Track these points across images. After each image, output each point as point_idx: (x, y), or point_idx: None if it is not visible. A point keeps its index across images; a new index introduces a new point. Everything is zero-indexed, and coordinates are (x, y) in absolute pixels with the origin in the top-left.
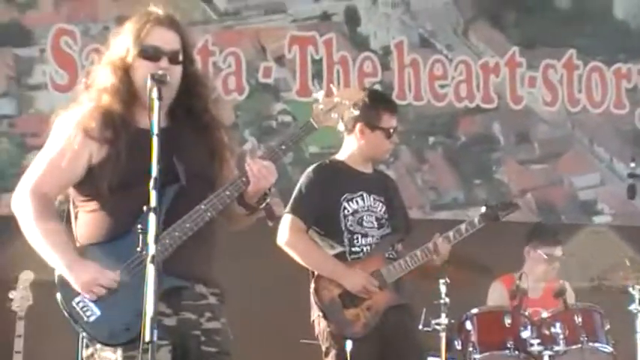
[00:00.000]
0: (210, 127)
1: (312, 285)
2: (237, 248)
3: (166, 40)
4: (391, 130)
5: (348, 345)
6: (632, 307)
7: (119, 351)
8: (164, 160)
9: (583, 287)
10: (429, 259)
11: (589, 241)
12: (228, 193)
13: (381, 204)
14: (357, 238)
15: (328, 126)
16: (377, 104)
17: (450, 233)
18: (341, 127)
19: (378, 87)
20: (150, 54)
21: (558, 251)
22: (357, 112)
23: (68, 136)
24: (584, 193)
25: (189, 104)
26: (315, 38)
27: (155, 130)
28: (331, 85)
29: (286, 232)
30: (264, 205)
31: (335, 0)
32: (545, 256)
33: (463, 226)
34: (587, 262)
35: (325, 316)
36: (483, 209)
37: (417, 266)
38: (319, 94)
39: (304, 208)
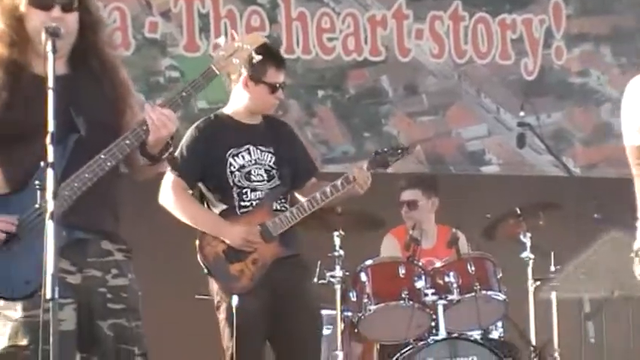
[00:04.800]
0: (109, 72)
1: (197, 242)
2: (137, 204)
3: None
4: (277, 85)
5: (234, 300)
6: (524, 255)
7: (19, 308)
8: (61, 111)
9: (477, 237)
10: (317, 208)
11: (480, 190)
12: (128, 142)
13: (269, 154)
14: (246, 193)
15: (229, 72)
16: (264, 57)
17: (339, 182)
18: (243, 71)
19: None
20: (41, 3)
21: (414, 195)
22: (259, 58)
23: None
24: (472, 144)
25: (87, 51)
26: None
27: (50, 84)
28: (232, 31)
29: (168, 190)
30: (166, 155)
31: None
32: (403, 202)
33: (339, 182)
34: (480, 212)
35: (210, 273)
36: (374, 154)
37: (306, 217)
38: (221, 39)
39: (186, 168)
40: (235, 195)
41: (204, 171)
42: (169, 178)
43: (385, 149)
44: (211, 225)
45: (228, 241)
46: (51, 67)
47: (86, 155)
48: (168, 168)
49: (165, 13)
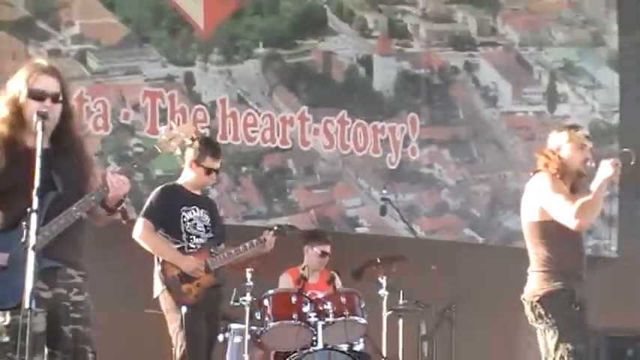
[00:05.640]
0: (79, 149)
1: (159, 267)
2: (99, 241)
3: (49, 84)
4: (211, 170)
5: (183, 309)
6: (381, 292)
7: (7, 315)
8: (45, 173)
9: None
10: (243, 257)
11: (354, 245)
12: (93, 198)
13: (207, 216)
14: (192, 239)
15: (169, 151)
16: (205, 148)
17: (254, 241)
18: (178, 152)
19: (207, 131)
20: (37, 95)
21: (327, 248)
22: (190, 142)
23: None
24: (350, 211)
25: (65, 132)
26: (162, 93)
27: (38, 152)
28: (171, 122)
29: (140, 229)
30: (120, 208)
31: (177, 66)
32: (320, 252)
33: (254, 241)
34: (354, 260)
35: (168, 289)
36: (275, 228)
37: (232, 260)
38: (163, 129)
39: (153, 214)
40: (185, 239)
41: (164, 219)
42: (141, 221)
43: (286, 226)
44: (173, 256)
45: (183, 268)
46: (39, 141)
47: (60, 207)
48: (141, 214)
49: (135, 106)
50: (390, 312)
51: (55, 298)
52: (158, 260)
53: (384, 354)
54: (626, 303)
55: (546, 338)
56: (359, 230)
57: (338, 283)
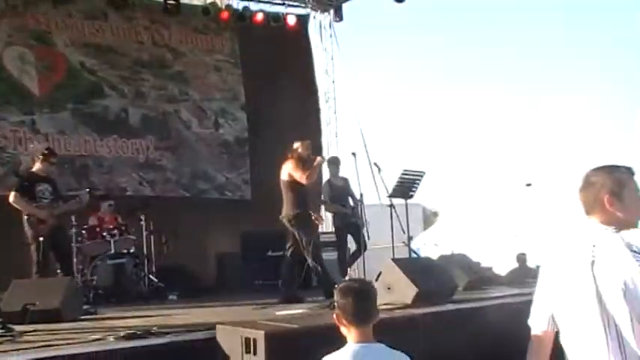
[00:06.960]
0: None
1: (25, 217)
2: None
3: None
4: (51, 162)
5: (40, 239)
6: (142, 222)
7: None
8: None
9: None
10: (70, 208)
11: (126, 201)
12: None
13: (50, 187)
14: (42, 200)
15: (34, 155)
16: (46, 156)
17: (77, 199)
18: (38, 157)
19: (47, 146)
20: None
21: (112, 202)
22: (43, 152)
23: None
24: (122, 184)
25: None
26: (19, 129)
27: None
28: (35, 142)
29: (12, 197)
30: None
31: (25, 115)
32: (108, 204)
33: (77, 199)
34: (127, 207)
35: (30, 227)
36: (87, 191)
37: (65, 210)
38: (32, 145)
39: (20, 188)
40: (38, 200)
41: (26, 191)
42: (13, 193)
43: (91, 191)
44: (32, 210)
45: (40, 216)
46: None
47: None
48: (13, 189)
49: (4, 137)
50: (146, 232)
51: None
52: (24, 213)
53: (145, 252)
54: None
55: (296, 235)
56: (127, 193)
57: (119, 219)
